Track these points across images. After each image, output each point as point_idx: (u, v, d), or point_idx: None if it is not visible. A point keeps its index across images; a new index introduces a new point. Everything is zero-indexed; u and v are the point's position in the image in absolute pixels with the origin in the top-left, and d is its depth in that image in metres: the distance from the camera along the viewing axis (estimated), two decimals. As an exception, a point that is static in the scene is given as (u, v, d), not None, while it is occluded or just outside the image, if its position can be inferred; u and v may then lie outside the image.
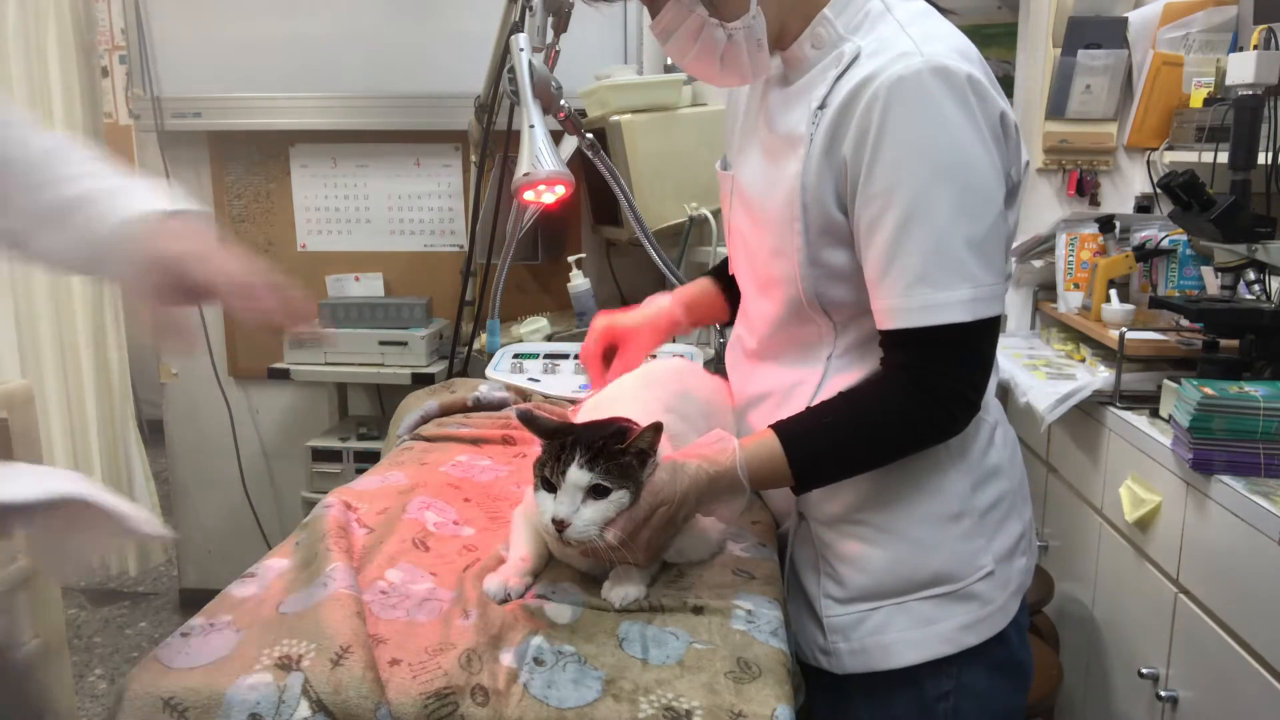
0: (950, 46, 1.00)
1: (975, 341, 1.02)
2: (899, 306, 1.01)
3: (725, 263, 1.35)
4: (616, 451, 0.97)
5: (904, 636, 1.09)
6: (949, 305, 0.99)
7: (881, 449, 1.06)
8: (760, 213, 1.12)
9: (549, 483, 0.97)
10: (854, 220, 1.03)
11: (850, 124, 1.00)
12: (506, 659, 0.87)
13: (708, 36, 1.06)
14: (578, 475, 0.95)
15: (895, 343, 1.03)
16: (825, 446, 1.06)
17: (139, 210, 0.91)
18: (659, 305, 1.36)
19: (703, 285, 1.39)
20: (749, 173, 1.16)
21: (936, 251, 0.98)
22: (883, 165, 0.98)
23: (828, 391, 1.10)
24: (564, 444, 0.97)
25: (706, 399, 1.22)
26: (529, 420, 1.01)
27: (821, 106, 1.03)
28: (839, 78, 1.02)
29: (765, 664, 0.89)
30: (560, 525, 0.95)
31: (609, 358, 1.35)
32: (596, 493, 0.96)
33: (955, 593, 1.09)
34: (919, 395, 1.02)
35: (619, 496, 0.96)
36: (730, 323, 1.36)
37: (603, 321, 1.36)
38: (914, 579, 1.09)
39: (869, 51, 1.02)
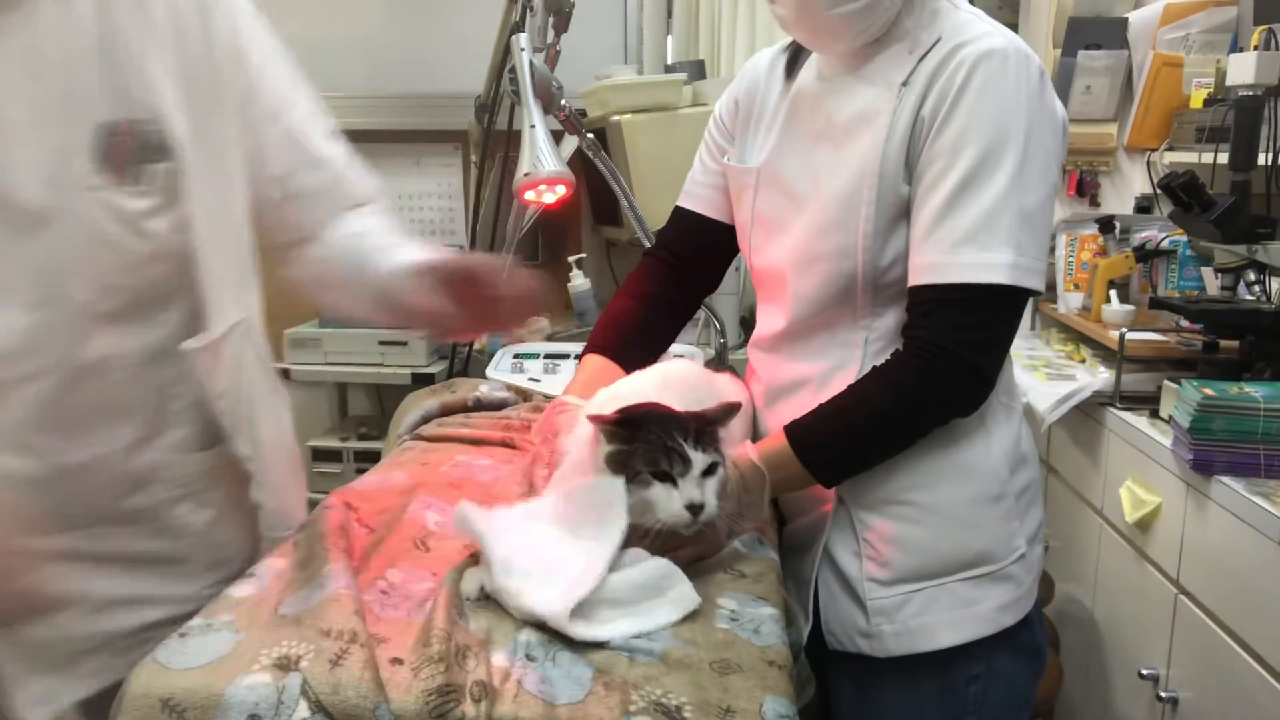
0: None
1: (999, 312, 1.04)
2: (941, 262, 1.03)
3: (609, 339, 1.29)
4: (710, 430, 1.00)
5: (947, 617, 1.11)
6: (993, 266, 1.01)
7: (889, 428, 1.08)
8: (811, 195, 1.14)
9: (665, 474, 0.97)
10: (915, 177, 1.06)
11: (934, 88, 1.04)
12: (499, 658, 0.87)
13: None
14: (699, 458, 0.97)
15: (921, 300, 1.05)
16: (828, 434, 1.08)
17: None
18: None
19: (596, 366, 1.28)
20: (790, 162, 1.17)
21: (990, 214, 1.01)
22: (955, 122, 1.02)
23: None
24: (662, 433, 0.97)
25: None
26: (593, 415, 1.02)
27: (905, 84, 1.06)
28: (922, 58, 1.07)
29: (748, 662, 0.90)
30: (698, 510, 0.97)
31: None
32: (709, 471, 0.98)
33: (994, 574, 1.11)
34: (922, 364, 1.04)
35: (722, 470, 1.00)
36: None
37: (559, 399, 1.26)
38: (957, 559, 1.11)
39: (949, 34, 1.06)
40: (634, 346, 1.29)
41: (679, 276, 1.35)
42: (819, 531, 1.18)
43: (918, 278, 1.05)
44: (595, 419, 1.01)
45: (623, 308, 1.34)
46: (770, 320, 1.24)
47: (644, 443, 0.98)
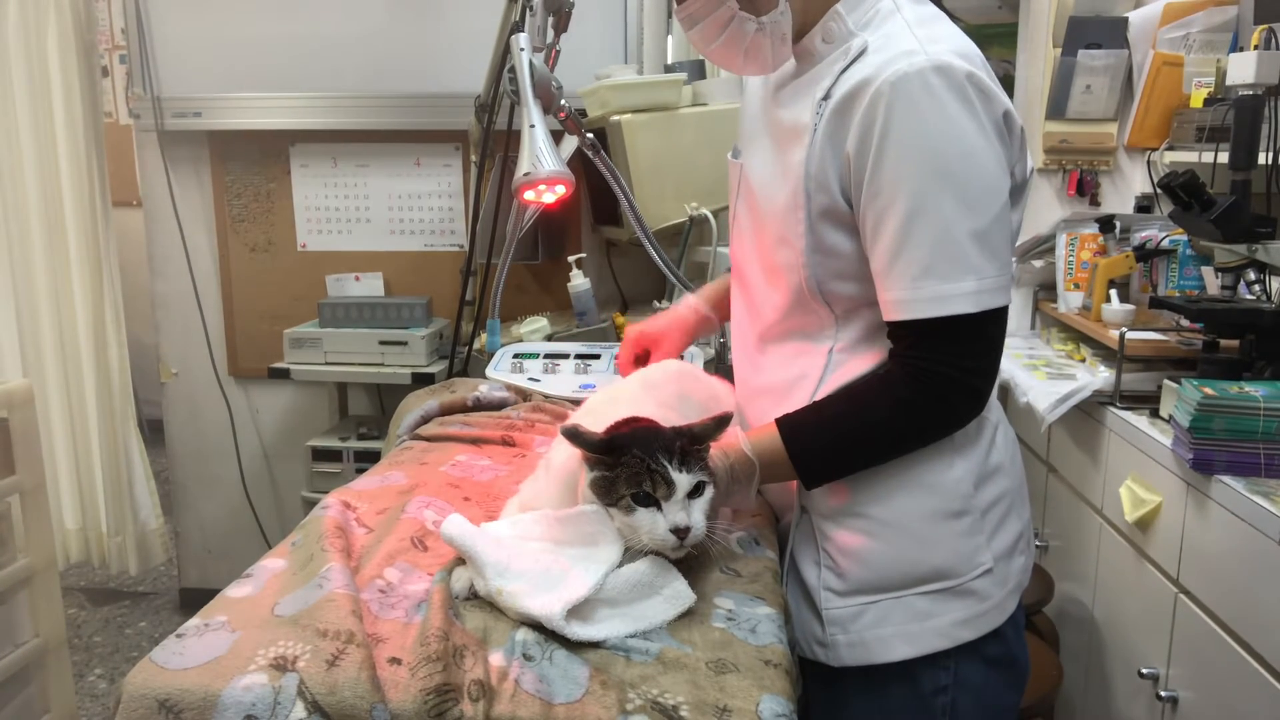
0: (952, 48, 1.02)
1: (982, 330, 1.04)
2: (906, 299, 1.02)
3: None
4: (696, 449, 0.99)
5: (901, 630, 1.10)
6: (956, 297, 1.00)
7: (885, 442, 1.08)
8: (766, 201, 1.14)
9: (649, 497, 0.96)
10: (858, 214, 1.05)
11: (853, 119, 1.02)
12: (496, 658, 0.87)
13: (736, 28, 1.08)
14: (683, 480, 0.96)
15: (902, 334, 1.05)
16: (826, 440, 1.08)
17: None
18: (685, 304, 1.42)
19: (726, 282, 1.41)
20: (757, 162, 1.18)
21: (942, 244, 1.00)
22: (887, 161, 1.00)
23: (830, 385, 1.11)
24: (645, 455, 0.96)
25: (703, 401, 1.22)
26: (574, 436, 0.99)
27: (825, 97, 1.05)
28: (844, 70, 1.05)
29: (745, 661, 0.90)
30: (684, 533, 0.96)
31: (642, 363, 1.39)
32: (695, 491, 0.98)
33: (953, 589, 1.10)
34: (924, 386, 1.04)
35: (709, 490, 0.99)
36: None
37: (634, 329, 1.41)
38: (913, 574, 1.10)
39: (874, 47, 1.04)
40: None
41: None
42: (785, 538, 1.19)
43: (889, 313, 1.05)
44: (572, 438, 1.00)
45: None
46: (746, 322, 1.25)
47: (626, 467, 0.97)
